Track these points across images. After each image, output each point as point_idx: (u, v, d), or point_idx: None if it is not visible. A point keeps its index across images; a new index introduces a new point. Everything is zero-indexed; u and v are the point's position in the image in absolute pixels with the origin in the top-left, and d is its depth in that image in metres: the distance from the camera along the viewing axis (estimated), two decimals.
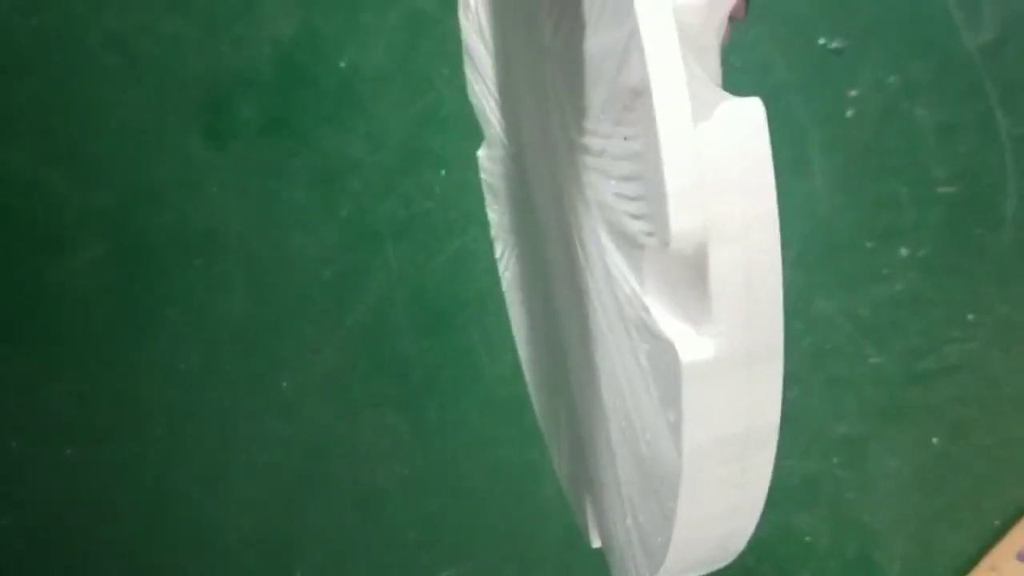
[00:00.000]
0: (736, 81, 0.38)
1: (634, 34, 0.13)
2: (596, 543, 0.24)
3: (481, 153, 0.29)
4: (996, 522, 0.39)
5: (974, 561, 0.39)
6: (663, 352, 0.14)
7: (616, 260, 0.16)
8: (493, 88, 0.25)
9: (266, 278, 0.39)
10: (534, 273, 0.25)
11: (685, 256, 0.13)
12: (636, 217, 0.14)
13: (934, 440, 0.39)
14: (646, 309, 0.15)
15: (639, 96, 0.13)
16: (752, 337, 0.13)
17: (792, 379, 0.39)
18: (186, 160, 0.39)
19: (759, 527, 0.15)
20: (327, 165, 0.39)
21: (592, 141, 0.16)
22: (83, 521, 0.40)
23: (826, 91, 0.38)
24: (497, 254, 0.30)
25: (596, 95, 0.15)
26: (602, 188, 0.16)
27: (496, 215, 0.29)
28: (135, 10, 0.39)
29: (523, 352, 0.30)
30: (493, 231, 0.30)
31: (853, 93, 0.38)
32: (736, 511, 0.15)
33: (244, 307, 0.39)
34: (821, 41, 0.38)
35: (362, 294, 0.39)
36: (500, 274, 0.30)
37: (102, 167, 0.39)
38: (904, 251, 0.38)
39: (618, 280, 0.16)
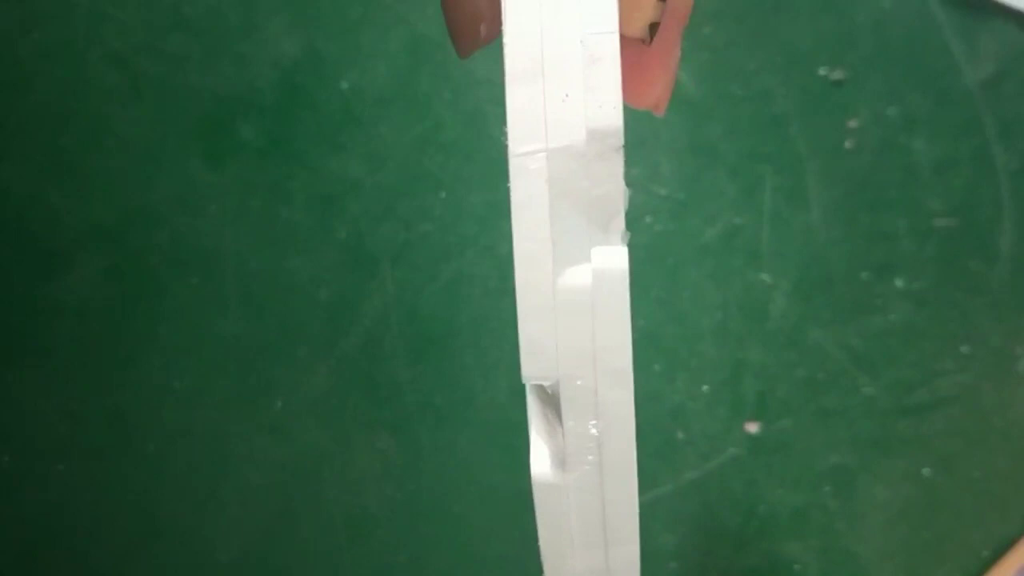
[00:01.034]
0: (736, 110, 0.39)
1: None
2: None
3: None
4: (985, 553, 0.39)
5: None
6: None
7: None
8: None
9: (262, 298, 0.39)
10: None
11: (544, 396, 0.14)
12: None
13: (925, 471, 0.39)
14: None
15: None
16: (604, 474, 0.14)
17: (784, 409, 0.39)
18: (185, 179, 0.39)
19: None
20: (326, 187, 0.39)
21: None
22: (73, 538, 0.40)
23: (825, 122, 0.38)
24: None
25: None
26: None
27: None
28: (137, 28, 0.39)
29: None
30: None
31: (852, 124, 0.38)
32: None
33: (239, 327, 0.39)
34: (822, 72, 0.38)
35: (358, 316, 0.39)
36: None
37: (100, 184, 0.39)
38: (899, 283, 0.38)
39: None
